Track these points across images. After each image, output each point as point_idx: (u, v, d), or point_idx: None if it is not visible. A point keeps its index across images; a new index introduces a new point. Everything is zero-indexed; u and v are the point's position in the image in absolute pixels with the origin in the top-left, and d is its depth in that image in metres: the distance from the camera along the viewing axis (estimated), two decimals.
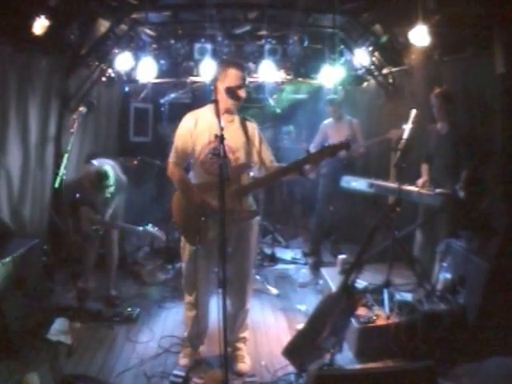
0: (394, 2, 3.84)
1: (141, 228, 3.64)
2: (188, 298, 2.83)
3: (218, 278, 2.76)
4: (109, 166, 3.50)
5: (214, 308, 2.67)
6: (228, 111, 2.59)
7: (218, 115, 2.29)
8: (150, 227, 3.65)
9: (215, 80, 2.60)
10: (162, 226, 4.81)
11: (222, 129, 2.21)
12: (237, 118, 2.65)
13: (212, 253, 2.62)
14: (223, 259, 2.15)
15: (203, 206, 2.50)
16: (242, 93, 2.55)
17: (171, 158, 2.65)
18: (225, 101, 2.52)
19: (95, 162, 3.71)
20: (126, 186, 3.78)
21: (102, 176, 3.38)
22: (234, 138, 2.56)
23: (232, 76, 2.50)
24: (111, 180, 3.42)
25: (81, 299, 3.55)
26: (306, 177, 2.57)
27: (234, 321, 2.81)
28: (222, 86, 2.53)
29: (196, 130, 2.59)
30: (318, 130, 5.02)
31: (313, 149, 4.67)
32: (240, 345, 2.92)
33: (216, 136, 2.20)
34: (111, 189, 3.47)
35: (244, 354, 2.91)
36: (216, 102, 2.38)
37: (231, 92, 2.48)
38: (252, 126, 2.69)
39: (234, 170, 2.50)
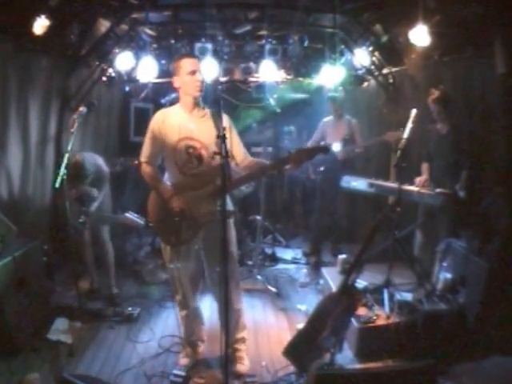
0: (394, 2, 3.84)
1: (120, 216, 3.64)
2: (177, 298, 2.84)
3: (209, 279, 2.78)
4: (87, 155, 3.53)
5: (214, 308, 2.68)
6: (197, 105, 2.58)
7: (218, 115, 2.29)
8: (128, 214, 3.64)
9: (174, 80, 2.58)
10: None
11: (223, 129, 2.19)
12: (208, 113, 2.61)
13: (190, 253, 2.63)
14: (224, 259, 2.14)
15: (172, 207, 2.51)
16: (198, 76, 2.52)
17: (141, 157, 2.64)
18: (190, 95, 2.53)
19: (77, 155, 3.71)
20: (108, 178, 3.81)
21: (78, 166, 3.40)
22: (206, 133, 2.51)
23: (185, 65, 2.49)
24: (87, 169, 3.44)
25: (88, 299, 3.58)
26: (283, 175, 2.55)
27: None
28: (181, 82, 2.52)
29: (164, 127, 2.57)
30: (317, 127, 5.02)
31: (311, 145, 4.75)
32: (239, 346, 2.89)
33: (218, 136, 2.17)
34: (89, 178, 3.51)
35: (243, 354, 2.88)
36: (217, 101, 2.37)
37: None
38: (225, 119, 2.59)
39: (210, 170, 2.51)
